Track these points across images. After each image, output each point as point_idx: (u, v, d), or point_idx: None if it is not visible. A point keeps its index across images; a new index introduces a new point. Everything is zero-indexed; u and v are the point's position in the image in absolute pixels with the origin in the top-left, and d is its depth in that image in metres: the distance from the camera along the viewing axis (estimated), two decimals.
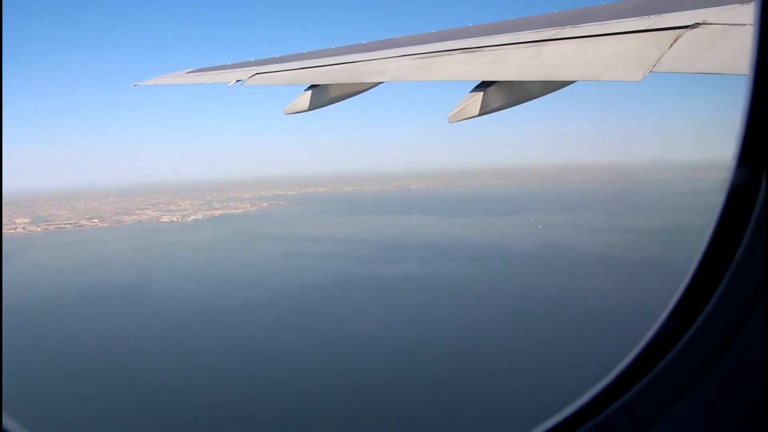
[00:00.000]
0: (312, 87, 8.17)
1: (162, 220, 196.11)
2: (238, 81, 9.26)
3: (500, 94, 6.20)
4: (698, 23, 4.87)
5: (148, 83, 11.65)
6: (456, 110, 6.15)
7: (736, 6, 4.81)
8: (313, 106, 8.16)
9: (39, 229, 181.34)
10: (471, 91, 6.23)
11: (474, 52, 6.72)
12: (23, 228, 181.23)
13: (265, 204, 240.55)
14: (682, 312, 2.58)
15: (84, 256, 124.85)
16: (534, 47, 6.16)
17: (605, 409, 2.67)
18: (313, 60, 8.92)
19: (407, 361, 58.55)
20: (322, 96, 8.18)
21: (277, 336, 68.30)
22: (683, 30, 4.93)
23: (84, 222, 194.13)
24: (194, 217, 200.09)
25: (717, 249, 2.51)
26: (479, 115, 6.18)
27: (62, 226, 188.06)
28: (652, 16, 5.39)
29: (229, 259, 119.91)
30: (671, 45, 4.87)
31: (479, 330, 66.98)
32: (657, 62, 4.81)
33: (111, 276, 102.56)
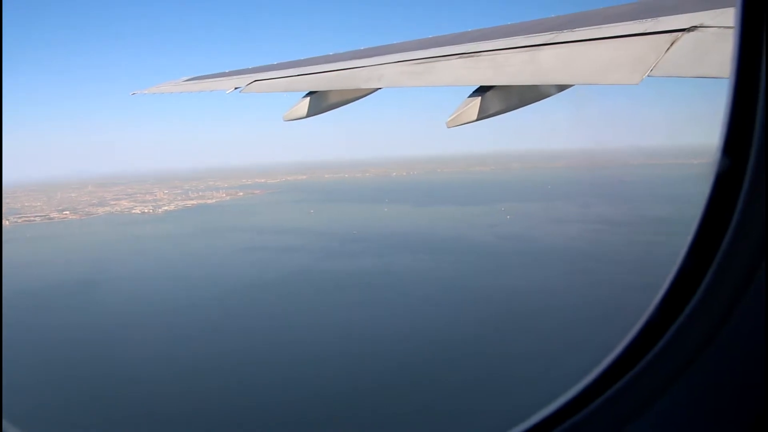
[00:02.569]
0: (310, 93, 8.21)
1: (134, 211, 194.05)
2: (236, 88, 9.30)
3: (498, 99, 6.22)
4: (695, 26, 4.87)
5: (146, 92, 11.76)
6: (454, 115, 6.15)
7: (733, 9, 4.11)
8: (312, 112, 8.23)
9: (7, 222, 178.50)
10: (469, 96, 6.22)
11: (471, 57, 6.71)
12: None
13: (241, 193, 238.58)
14: (669, 304, 2.61)
15: (40, 252, 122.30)
16: (531, 52, 6.16)
17: (591, 402, 2.70)
18: (310, 67, 8.94)
19: (334, 362, 57.81)
20: (320, 102, 8.23)
21: (205, 338, 66.72)
22: (680, 33, 4.93)
23: (54, 214, 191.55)
24: (166, 207, 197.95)
25: (702, 242, 2.54)
26: (477, 120, 6.20)
27: (32, 218, 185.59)
28: (649, 20, 5.34)
29: (184, 254, 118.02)
30: (668, 48, 4.88)
31: (410, 330, 65.65)
32: (654, 66, 4.80)
33: (56, 274, 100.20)
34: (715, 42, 4.59)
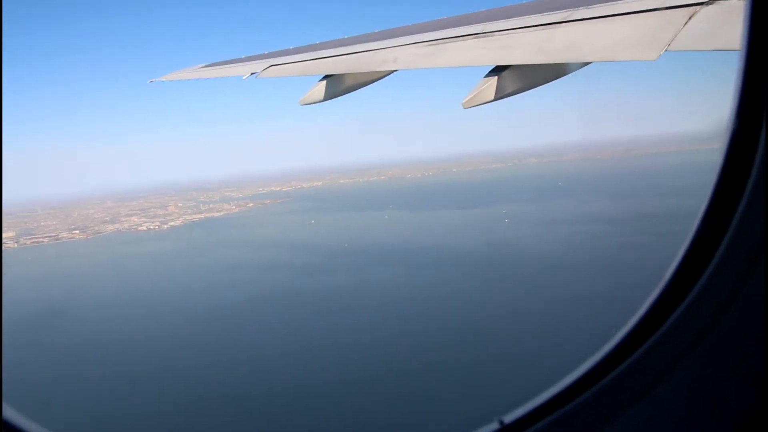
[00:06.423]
0: (326, 77, 8.20)
1: (140, 228, 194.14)
2: (252, 74, 9.31)
3: (515, 79, 6.11)
4: None
5: (163, 79, 11.76)
6: (470, 96, 6.06)
7: None
8: (328, 96, 8.23)
9: (16, 244, 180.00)
10: (485, 76, 6.13)
11: (486, 37, 6.69)
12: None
13: (251, 204, 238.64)
14: (681, 276, 2.60)
15: (29, 277, 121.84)
16: (547, 30, 6.14)
17: (588, 389, 2.71)
18: (326, 50, 8.99)
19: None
20: (336, 86, 8.22)
21: (168, 362, 66.40)
22: (698, 7, 4.88)
23: (64, 234, 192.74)
24: (173, 223, 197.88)
25: (705, 232, 2.54)
26: (494, 100, 6.11)
27: (40, 239, 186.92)
28: None
29: (165, 275, 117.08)
30: (686, 22, 4.82)
31: (363, 350, 63.90)
32: (672, 41, 4.77)
33: (29, 301, 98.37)
34: (733, 14, 4.44)
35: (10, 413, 2.90)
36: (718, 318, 2.45)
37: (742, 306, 2.40)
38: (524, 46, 6.18)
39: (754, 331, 2.41)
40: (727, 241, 2.42)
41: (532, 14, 6.63)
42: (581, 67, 6.17)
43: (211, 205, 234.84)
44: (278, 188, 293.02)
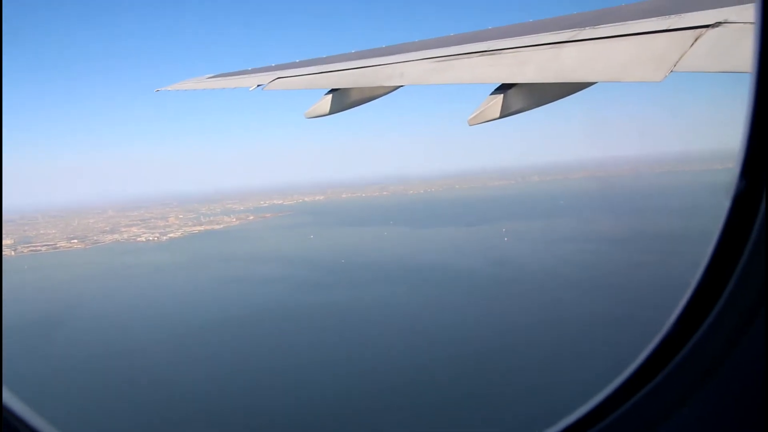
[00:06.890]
0: (333, 91, 8.29)
1: (139, 239, 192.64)
2: (259, 85, 9.37)
3: (521, 97, 6.17)
4: (719, 22, 4.85)
5: (170, 88, 11.90)
6: (476, 113, 6.12)
7: None
8: (334, 109, 8.30)
9: (13, 252, 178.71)
10: (491, 94, 6.19)
11: (493, 54, 6.74)
12: None
13: (251, 217, 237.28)
14: (686, 320, 2.60)
15: (22, 287, 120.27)
16: (553, 49, 6.17)
17: (604, 418, 2.68)
18: (333, 64, 9.00)
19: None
20: (342, 100, 8.30)
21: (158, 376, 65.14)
22: (704, 29, 4.90)
23: (62, 243, 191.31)
24: (172, 235, 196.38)
25: (719, 260, 2.52)
26: (500, 117, 6.17)
27: (38, 248, 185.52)
28: (672, 16, 5.34)
29: (160, 287, 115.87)
30: (692, 44, 4.84)
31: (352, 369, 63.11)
32: (678, 62, 4.80)
33: (22, 311, 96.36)
34: (739, 37, 4.47)
35: (12, 403, 2.86)
36: (715, 369, 2.43)
37: (740, 357, 2.38)
38: (531, 65, 6.14)
39: (752, 384, 2.40)
40: (728, 292, 2.39)
41: (539, 33, 6.58)
42: (587, 86, 6.10)
43: (211, 218, 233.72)
44: (280, 201, 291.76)
